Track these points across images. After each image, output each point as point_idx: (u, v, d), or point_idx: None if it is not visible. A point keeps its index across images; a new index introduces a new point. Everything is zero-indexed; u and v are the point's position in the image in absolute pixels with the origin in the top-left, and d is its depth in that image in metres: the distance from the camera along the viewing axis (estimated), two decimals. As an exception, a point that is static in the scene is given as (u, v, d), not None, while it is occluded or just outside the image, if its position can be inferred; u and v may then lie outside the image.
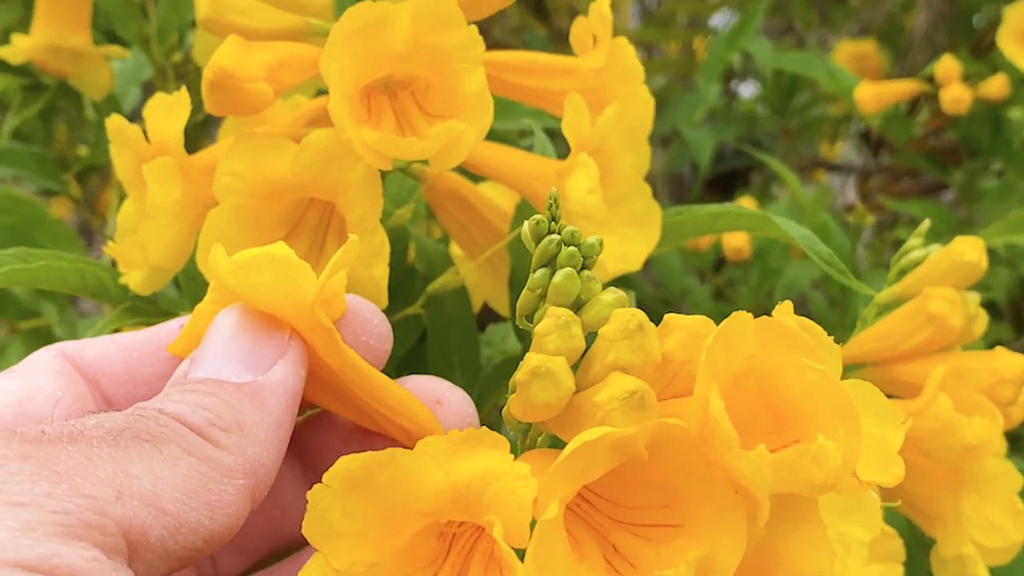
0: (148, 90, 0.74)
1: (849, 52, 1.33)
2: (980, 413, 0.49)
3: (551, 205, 0.32)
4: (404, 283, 0.51)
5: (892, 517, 0.56)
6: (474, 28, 0.42)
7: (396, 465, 0.30)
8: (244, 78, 0.43)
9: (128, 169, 0.47)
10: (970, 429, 0.48)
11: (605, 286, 0.35)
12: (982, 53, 1.07)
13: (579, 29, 0.49)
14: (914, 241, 0.57)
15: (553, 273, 0.32)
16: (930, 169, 1.05)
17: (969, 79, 0.99)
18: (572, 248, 0.32)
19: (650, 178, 1.15)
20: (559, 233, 0.32)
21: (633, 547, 0.31)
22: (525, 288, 0.33)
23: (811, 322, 0.32)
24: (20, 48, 0.65)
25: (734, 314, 0.30)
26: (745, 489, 0.29)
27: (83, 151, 0.93)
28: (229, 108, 0.45)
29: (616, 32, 0.48)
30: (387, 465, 0.30)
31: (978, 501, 0.50)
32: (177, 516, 0.29)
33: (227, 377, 0.33)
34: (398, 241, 0.50)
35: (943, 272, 0.53)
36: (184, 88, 0.46)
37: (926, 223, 0.57)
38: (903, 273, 0.56)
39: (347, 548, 0.31)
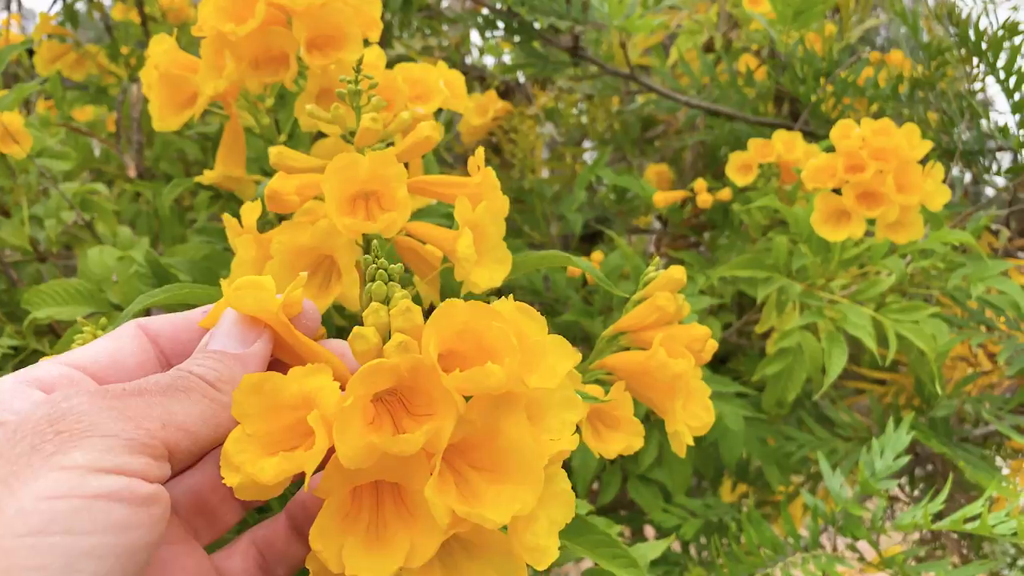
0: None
1: (654, 171, 1.85)
2: (682, 356, 0.72)
3: (372, 244, 0.48)
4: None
5: (640, 409, 0.84)
6: (402, 167, 0.64)
7: (274, 380, 0.42)
8: (283, 193, 0.66)
9: (233, 240, 0.71)
10: (676, 365, 0.71)
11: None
12: (720, 176, 1.56)
13: (471, 163, 0.73)
14: (651, 268, 0.80)
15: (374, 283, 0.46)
16: (693, 235, 1.56)
17: (711, 190, 1.50)
18: (382, 271, 0.46)
19: (550, 239, 1.63)
20: (377, 266, 0.46)
21: (408, 424, 0.44)
22: (364, 292, 0.46)
23: (526, 305, 0.45)
24: (208, 176, 0.93)
25: (449, 300, 0.43)
26: (453, 392, 0.41)
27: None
28: (278, 208, 0.67)
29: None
30: (269, 379, 0.42)
31: (685, 403, 0.75)
32: (196, 433, 0.41)
33: (229, 349, 0.45)
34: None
35: (664, 283, 0.77)
36: (258, 200, 0.70)
37: (656, 260, 0.80)
38: (646, 284, 0.79)
39: (252, 422, 0.42)
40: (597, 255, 1.35)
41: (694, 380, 0.77)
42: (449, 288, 0.77)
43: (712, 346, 0.77)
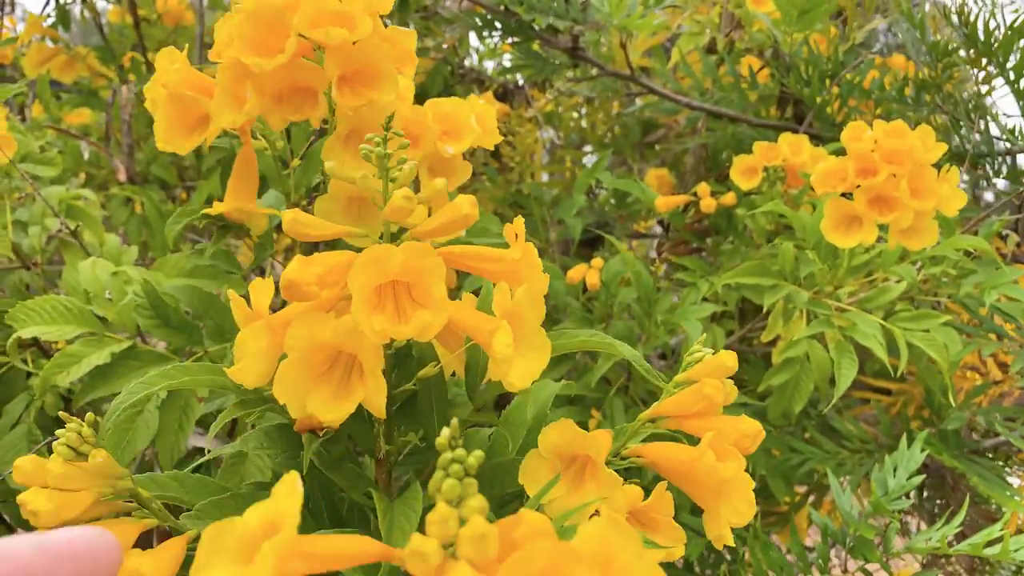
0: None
1: (654, 175, 1.81)
2: (731, 458, 0.64)
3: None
4: (405, 369, 0.69)
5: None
6: (440, 259, 0.56)
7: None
8: (302, 283, 0.57)
9: (240, 320, 0.62)
10: (724, 469, 0.63)
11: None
12: (722, 180, 1.51)
13: (507, 232, 0.67)
14: (697, 347, 0.71)
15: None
16: (696, 240, 1.52)
17: (714, 194, 1.47)
18: (456, 464, 0.39)
19: (549, 244, 1.59)
20: (453, 456, 0.39)
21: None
22: (431, 485, 0.39)
23: (617, 518, 0.39)
24: (218, 208, 0.86)
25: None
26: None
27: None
28: (295, 298, 0.59)
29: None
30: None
31: (729, 500, 0.67)
32: None
33: None
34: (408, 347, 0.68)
35: (713, 369, 0.68)
36: (270, 278, 0.62)
37: (701, 343, 0.72)
38: (690, 365, 0.70)
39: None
40: (597, 262, 1.31)
41: (739, 475, 0.69)
42: (474, 361, 0.71)
43: (761, 435, 0.70)
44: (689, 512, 1.50)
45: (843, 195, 1.06)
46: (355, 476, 0.63)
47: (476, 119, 0.81)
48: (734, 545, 0.68)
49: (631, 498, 0.64)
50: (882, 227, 1.10)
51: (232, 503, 0.56)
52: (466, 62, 2.25)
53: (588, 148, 2.22)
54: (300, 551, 0.36)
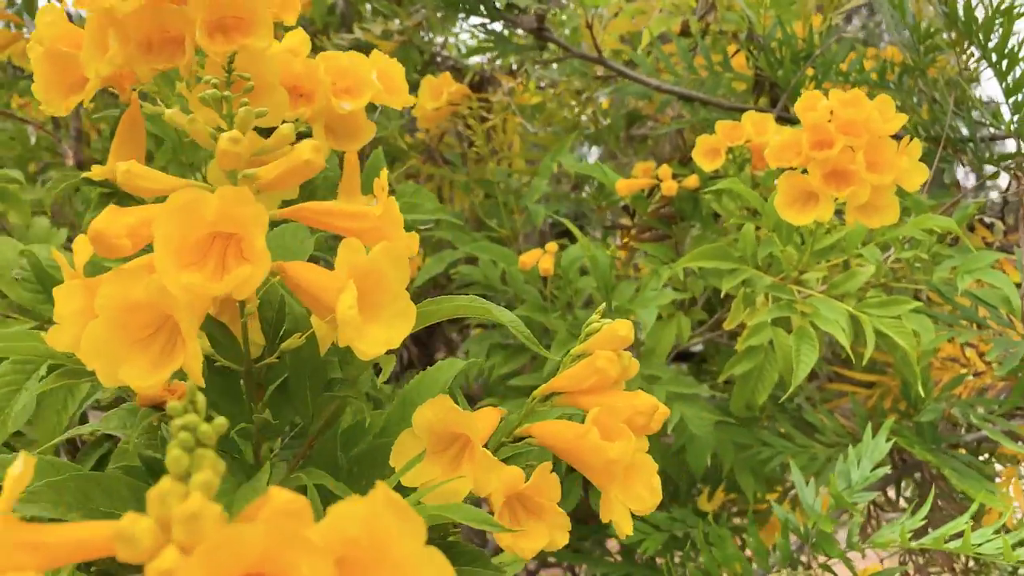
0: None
1: (641, 168, 1.73)
2: (621, 436, 0.60)
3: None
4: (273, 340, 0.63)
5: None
6: (260, 207, 0.50)
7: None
8: (110, 235, 0.53)
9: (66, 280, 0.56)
10: (611, 450, 0.59)
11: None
12: (686, 163, 1.50)
13: (376, 187, 0.62)
14: (595, 317, 0.67)
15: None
16: (661, 226, 1.46)
17: (677, 177, 1.41)
18: (186, 432, 0.33)
19: (514, 233, 1.53)
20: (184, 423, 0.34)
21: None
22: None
23: (397, 499, 0.32)
24: (99, 172, 0.81)
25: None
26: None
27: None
28: (103, 253, 0.54)
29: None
30: None
31: (626, 484, 0.63)
32: None
33: None
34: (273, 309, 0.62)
35: (607, 340, 0.64)
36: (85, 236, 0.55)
37: (602, 307, 0.70)
38: (588, 336, 0.66)
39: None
40: (551, 246, 1.26)
41: (638, 456, 0.65)
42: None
43: (662, 414, 0.65)
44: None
45: (801, 172, 1.00)
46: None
47: (378, 75, 0.76)
48: (631, 533, 0.62)
49: (510, 481, 0.59)
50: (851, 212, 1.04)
51: (74, 485, 0.50)
52: (445, 53, 2.20)
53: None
54: (22, 542, 0.31)
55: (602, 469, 0.62)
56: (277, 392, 0.61)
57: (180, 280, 0.49)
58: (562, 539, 0.62)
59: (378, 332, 0.54)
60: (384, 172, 0.60)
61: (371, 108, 1.58)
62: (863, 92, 0.94)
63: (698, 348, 1.93)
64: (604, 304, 1.09)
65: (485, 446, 0.63)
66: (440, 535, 0.69)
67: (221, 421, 0.35)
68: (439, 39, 2.13)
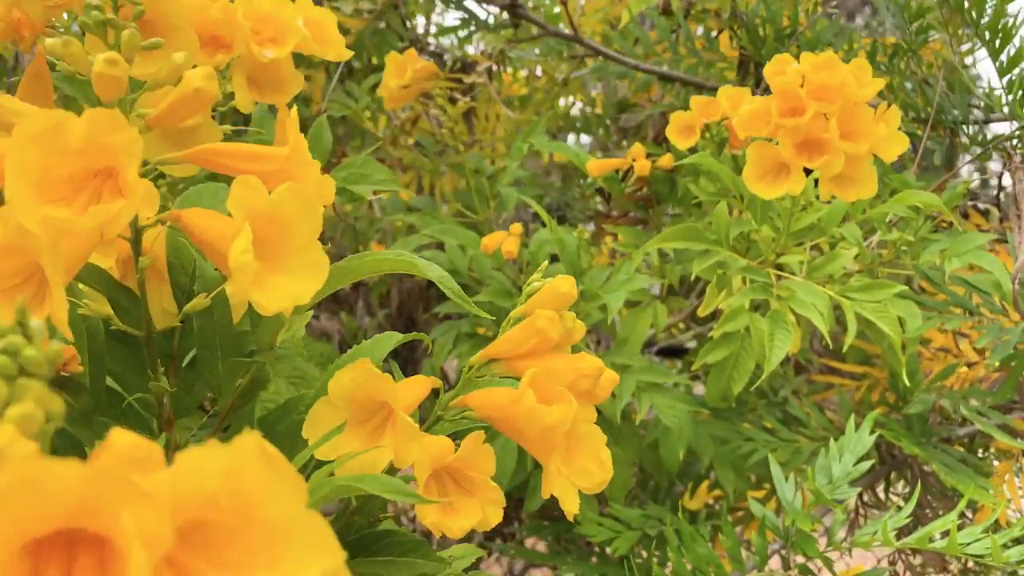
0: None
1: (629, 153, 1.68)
2: (560, 400, 0.55)
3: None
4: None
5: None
6: (135, 133, 0.45)
7: None
8: None
9: None
10: (548, 414, 0.54)
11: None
12: (661, 142, 1.43)
13: (279, 124, 0.56)
14: (536, 276, 0.62)
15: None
16: (637, 210, 1.39)
17: (651, 156, 1.35)
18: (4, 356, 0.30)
19: (489, 219, 1.47)
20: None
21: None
22: None
23: (273, 452, 0.27)
24: None
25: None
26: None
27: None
28: None
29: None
30: None
31: (569, 456, 0.57)
32: None
33: None
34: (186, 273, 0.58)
35: (548, 299, 0.59)
36: None
37: (544, 265, 0.64)
38: (528, 297, 0.61)
39: None
40: (516, 227, 1.19)
41: (583, 426, 0.59)
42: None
43: (610, 380, 0.59)
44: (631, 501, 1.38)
45: (773, 141, 0.94)
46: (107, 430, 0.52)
47: (306, 22, 0.70)
48: (577, 512, 0.55)
49: (436, 452, 0.53)
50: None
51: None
52: (432, 43, 2.14)
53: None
54: None
55: (538, 437, 0.55)
56: (190, 365, 0.58)
57: (38, 214, 0.44)
58: (496, 516, 0.56)
59: (283, 283, 0.48)
60: (294, 110, 0.54)
61: (339, 84, 1.52)
62: (837, 55, 0.87)
63: (691, 345, 1.87)
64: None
65: (421, 424, 0.58)
66: (369, 520, 0.63)
67: (55, 350, 0.30)
68: (420, 25, 2.08)
